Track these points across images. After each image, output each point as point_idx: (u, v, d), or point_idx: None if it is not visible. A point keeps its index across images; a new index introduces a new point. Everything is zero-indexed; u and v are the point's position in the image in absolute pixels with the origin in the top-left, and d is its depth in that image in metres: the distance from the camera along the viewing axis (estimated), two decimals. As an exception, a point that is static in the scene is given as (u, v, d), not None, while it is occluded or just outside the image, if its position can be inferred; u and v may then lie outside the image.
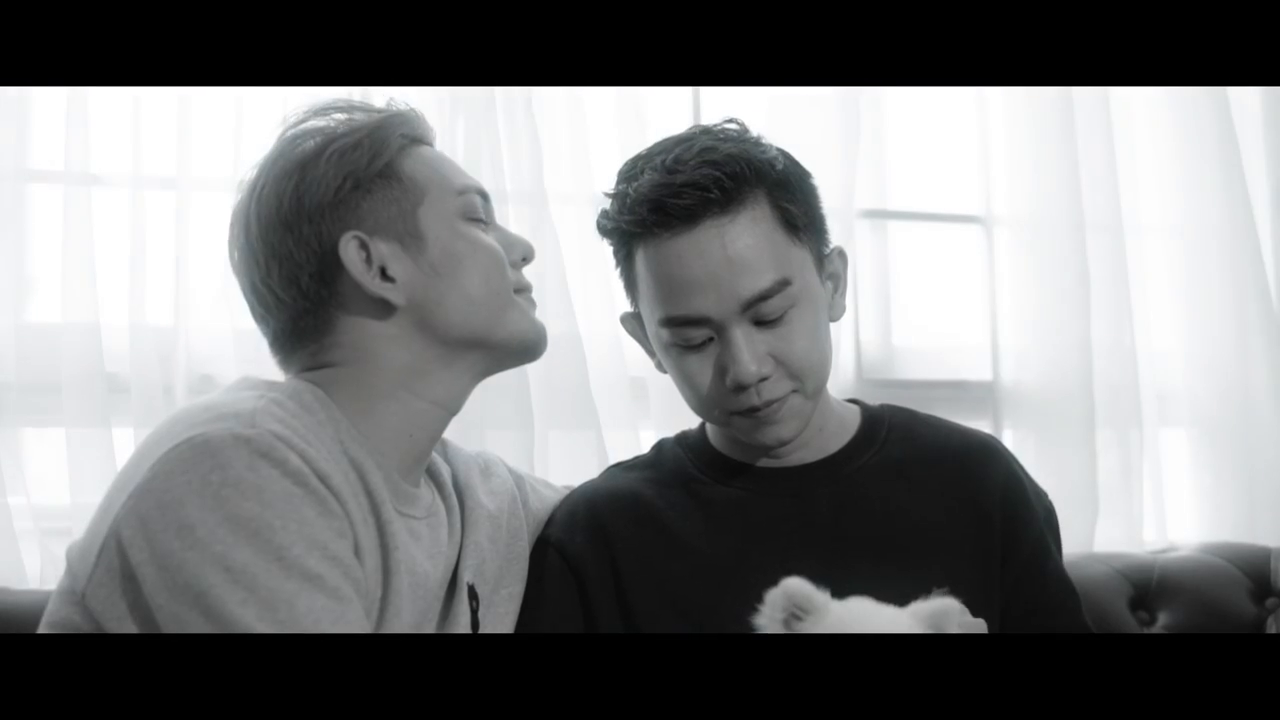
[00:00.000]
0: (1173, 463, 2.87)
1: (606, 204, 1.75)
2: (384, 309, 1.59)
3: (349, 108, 1.65)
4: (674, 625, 1.70)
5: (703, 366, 1.71)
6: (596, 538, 1.77)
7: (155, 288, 2.22)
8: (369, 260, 1.57)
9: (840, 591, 1.38)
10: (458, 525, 1.70)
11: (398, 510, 1.57)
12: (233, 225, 1.64)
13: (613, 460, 2.05)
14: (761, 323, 1.67)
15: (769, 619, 1.36)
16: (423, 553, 1.61)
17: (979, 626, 1.50)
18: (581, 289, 2.40)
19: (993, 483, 1.79)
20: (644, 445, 1.97)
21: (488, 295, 1.62)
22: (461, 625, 1.66)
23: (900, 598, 1.41)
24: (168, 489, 1.39)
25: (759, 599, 1.38)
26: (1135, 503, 2.74)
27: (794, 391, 1.71)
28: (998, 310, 2.82)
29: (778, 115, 2.57)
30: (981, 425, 2.49)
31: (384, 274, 1.58)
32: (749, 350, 1.66)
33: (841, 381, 2.60)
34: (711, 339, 1.69)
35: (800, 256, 1.71)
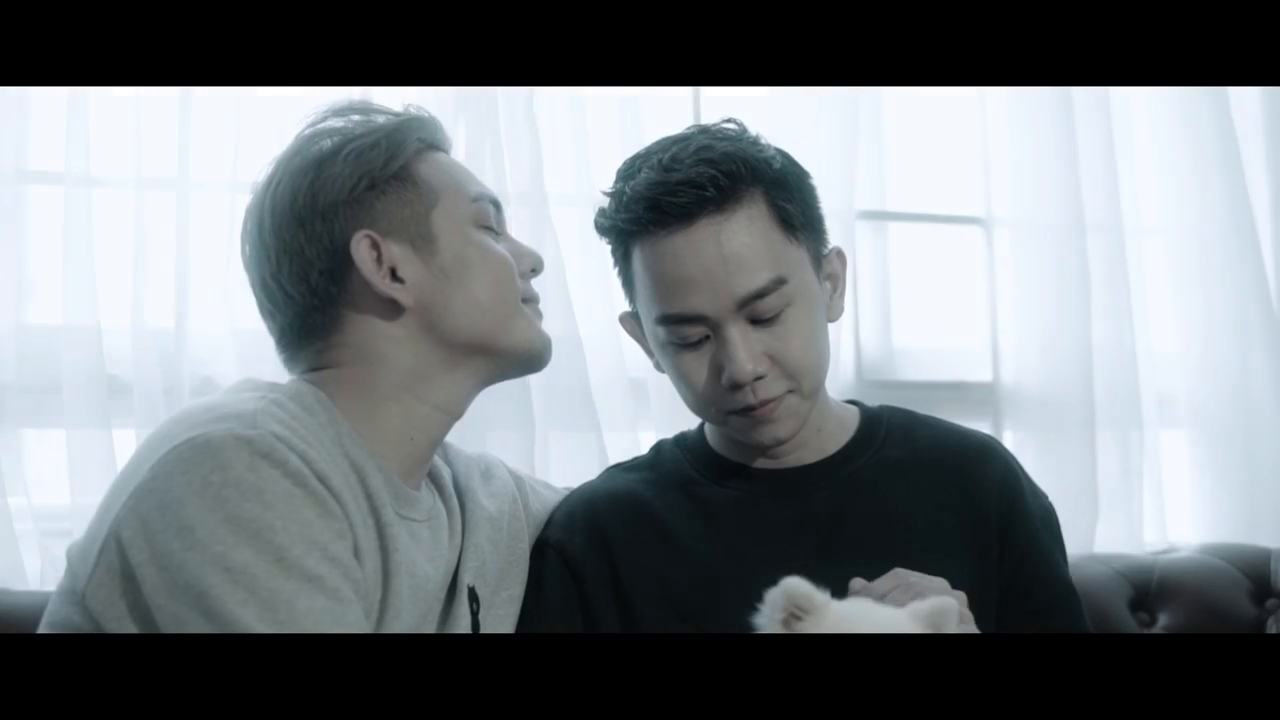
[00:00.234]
0: (1173, 464, 2.86)
1: (605, 203, 1.76)
2: (392, 309, 1.59)
3: (367, 110, 1.66)
4: (672, 626, 1.71)
5: (699, 365, 1.71)
6: (595, 539, 1.77)
7: (156, 289, 2.22)
8: (380, 260, 1.58)
9: (838, 592, 1.38)
10: (458, 527, 1.70)
11: (398, 513, 1.57)
12: (246, 220, 1.65)
13: (613, 461, 2.05)
14: (757, 321, 1.68)
15: (769, 619, 1.36)
16: (423, 555, 1.61)
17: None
18: (581, 290, 2.40)
19: (990, 482, 1.79)
20: (644, 447, 1.97)
21: (495, 302, 1.63)
22: (462, 627, 1.66)
23: (898, 599, 1.41)
24: (168, 489, 1.39)
25: (759, 599, 1.38)
26: (1135, 504, 2.74)
27: (790, 391, 1.71)
28: (998, 311, 2.82)
29: (777, 116, 2.56)
30: (982, 426, 2.48)
31: (394, 274, 1.58)
32: (745, 348, 1.67)
33: (842, 383, 2.60)
34: (708, 337, 1.69)
35: (797, 255, 1.71)
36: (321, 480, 1.44)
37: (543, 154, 2.42)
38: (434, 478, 1.72)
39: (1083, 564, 2.43)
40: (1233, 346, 2.84)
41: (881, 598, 1.47)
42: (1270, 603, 2.48)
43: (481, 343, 1.63)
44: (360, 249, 1.57)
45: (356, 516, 1.49)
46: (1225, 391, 2.84)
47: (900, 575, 1.52)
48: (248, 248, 1.65)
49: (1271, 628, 2.45)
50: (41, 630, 1.51)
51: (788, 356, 1.69)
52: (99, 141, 2.21)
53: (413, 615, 1.58)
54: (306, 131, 1.65)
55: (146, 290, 2.21)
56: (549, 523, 1.84)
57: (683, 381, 1.74)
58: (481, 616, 1.68)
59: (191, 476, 1.39)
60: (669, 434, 1.94)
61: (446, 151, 1.71)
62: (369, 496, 1.53)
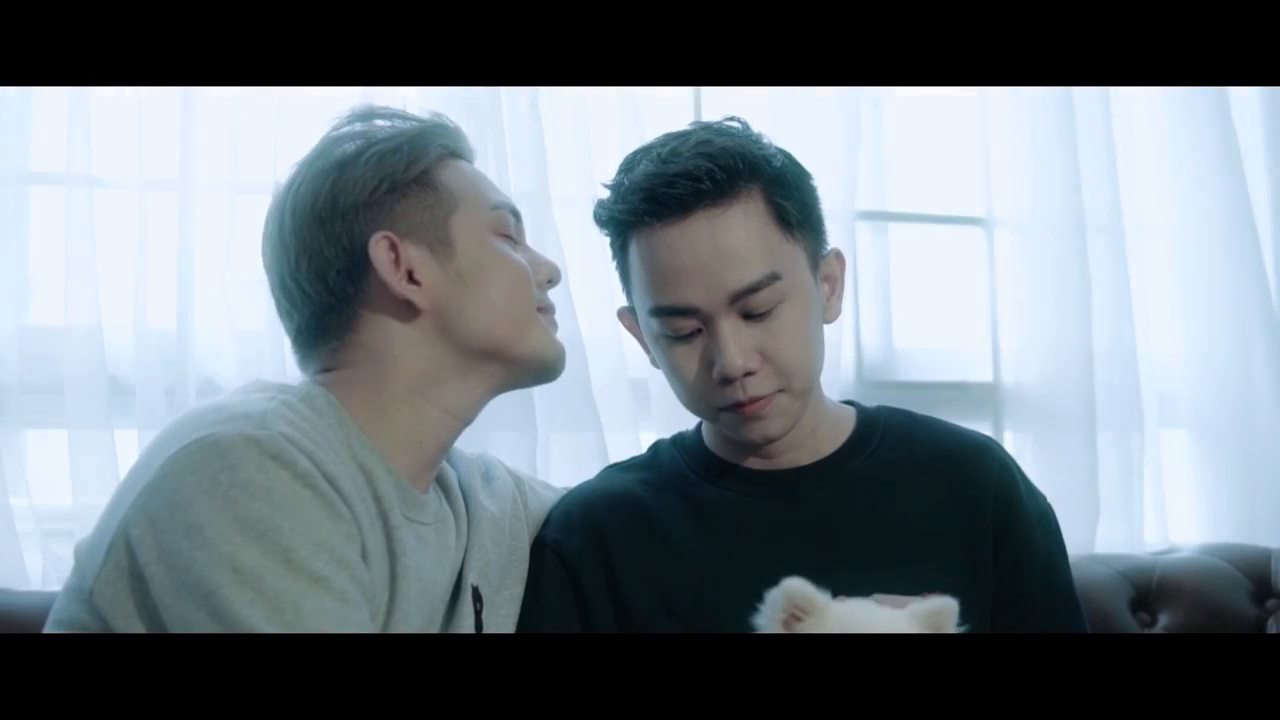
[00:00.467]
0: (1173, 464, 2.86)
1: (605, 195, 1.76)
2: (407, 311, 1.60)
3: (392, 115, 1.68)
4: (666, 626, 1.71)
5: (690, 358, 1.71)
6: (591, 538, 1.78)
7: (157, 290, 2.22)
8: (397, 262, 1.59)
9: (834, 594, 1.38)
10: (463, 529, 1.71)
11: (406, 517, 1.57)
12: (267, 221, 1.66)
13: (614, 460, 2.06)
14: (750, 316, 1.68)
15: (769, 619, 1.36)
16: (430, 559, 1.61)
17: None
18: (584, 291, 2.40)
19: (986, 482, 1.79)
20: (645, 446, 1.97)
21: (510, 308, 1.64)
22: (465, 627, 1.67)
23: (895, 600, 1.41)
24: (177, 489, 1.40)
25: (753, 599, 1.38)
26: (1136, 504, 2.74)
27: (781, 390, 1.70)
28: (998, 312, 2.82)
29: (778, 116, 2.57)
30: (982, 427, 2.49)
31: (410, 277, 1.59)
32: (736, 343, 1.67)
33: (842, 383, 2.61)
34: (700, 331, 1.69)
35: (793, 253, 1.71)
36: (330, 482, 1.45)
37: (546, 156, 2.42)
38: (440, 480, 1.72)
39: (1083, 564, 2.43)
40: (1233, 347, 2.84)
41: None
42: (1270, 603, 2.48)
43: (495, 348, 1.63)
44: (379, 250, 1.58)
45: (364, 519, 1.49)
46: (1226, 392, 2.84)
47: None
48: (268, 248, 1.66)
49: (1272, 628, 2.45)
50: (48, 628, 1.51)
51: (779, 354, 1.69)
52: (101, 142, 2.21)
53: (419, 619, 1.59)
54: (330, 134, 1.66)
55: (148, 290, 2.21)
56: (546, 522, 1.84)
57: (674, 375, 1.75)
58: (485, 616, 1.69)
59: (200, 476, 1.39)
60: (670, 434, 1.94)
61: (469, 160, 1.72)
62: (377, 500, 1.53)
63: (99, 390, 2.16)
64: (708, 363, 1.69)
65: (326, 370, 1.63)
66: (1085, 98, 2.78)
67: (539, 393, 2.34)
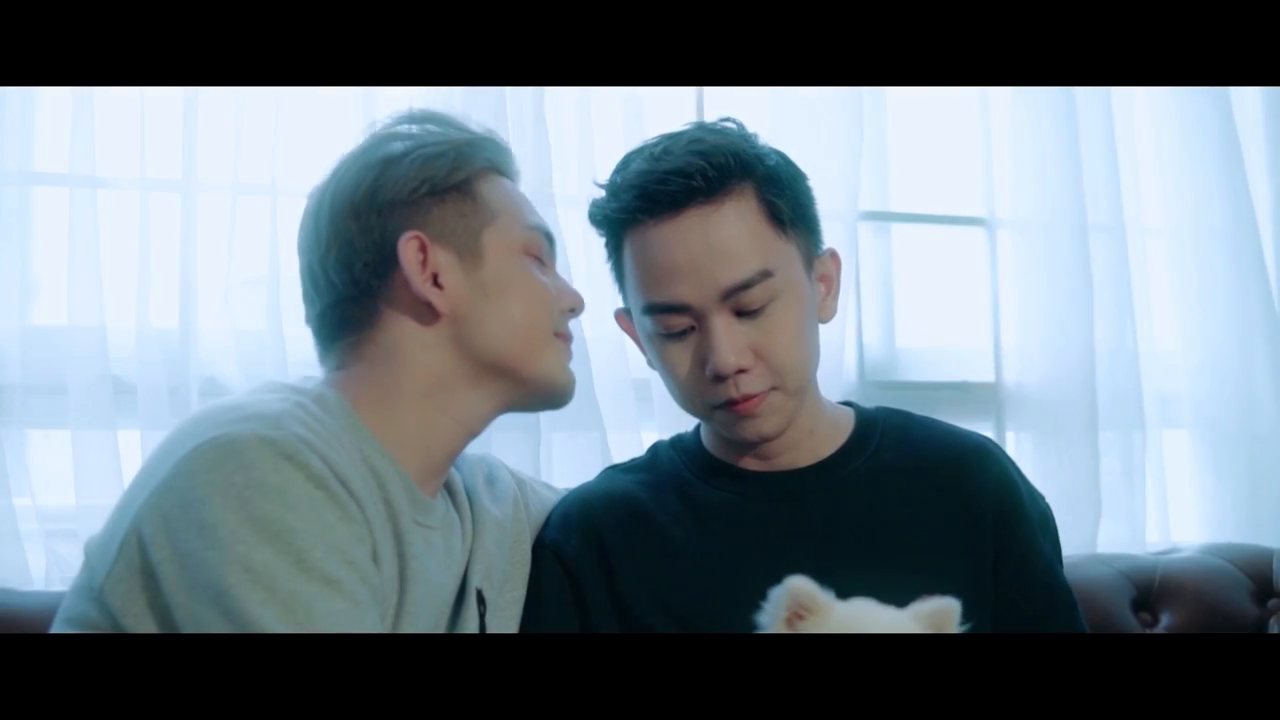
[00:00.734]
0: (1175, 464, 2.86)
1: (599, 195, 1.76)
2: (427, 314, 1.60)
3: (445, 122, 1.70)
4: (665, 627, 1.71)
5: (683, 356, 1.71)
6: (590, 539, 1.78)
7: (161, 290, 2.22)
8: (425, 263, 1.59)
9: (839, 593, 1.38)
10: (468, 532, 1.71)
11: (415, 521, 1.58)
12: (306, 206, 1.68)
13: (616, 460, 2.06)
14: (742, 313, 1.68)
15: (772, 616, 1.36)
16: (437, 563, 1.62)
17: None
18: (587, 291, 2.38)
19: (986, 484, 1.79)
20: (647, 447, 1.97)
21: (528, 327, 1.64)
22: (470, 630, 1.67)
23: (894, 603, 1.41)
24: (191, 488, 1.40)
25: (751, 601, 1.38)
26: (1138, 504, 2.74)
27: (774, 388, 1.71)
28: (1000, 312, 2.82)
29: (781, 116, 2.57)
30: (984, 427, 2.49)
31: (435, 280, 1.60)
32: (728, 340, 1.67)
33: (844, 383, 2.61)
34: (693, 328, 1.70)
35: (786, 251, 1.71)
36: (344, 484, 1.45)
37: (551, 157, 2.43)
38: (446, 485, 1.73)
39: (1085, 564, 2.44)
40: (1235, 346, 2.85)
41: None
42: (1272, 603, 2.48)
43: (507, 365, 1.64)
44: (408, 248, 1.59)
45: (376, 521, 1.50)
46: (1227, 391, 2.84)
47: None
48: (302, 233, 1.67)
49: (1273, 628, 2.45)
50: (57, 625, 1.51)
51: (772, 351, 1.69)
52: (104, 142, 2.21)
53: (426, 622, 1.59)
54: (380, 132, 1.68)
55: (151, 291, 2.22)
56: (546, 523, 1.84)
57: (668, 373, 1.75)
58: (488, 619, 1.69)
59: (214, 476, 1.39)
60: (671, 435, 1.94)
61: (514, 180, 1.73)
62: (387, 503, 1.54)
63: (102, 390, 2.17)
64: (701, 360, 1.70)
65: (342, 367, 1.64)
66: (1087, 98, 2.78)
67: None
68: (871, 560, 1.70)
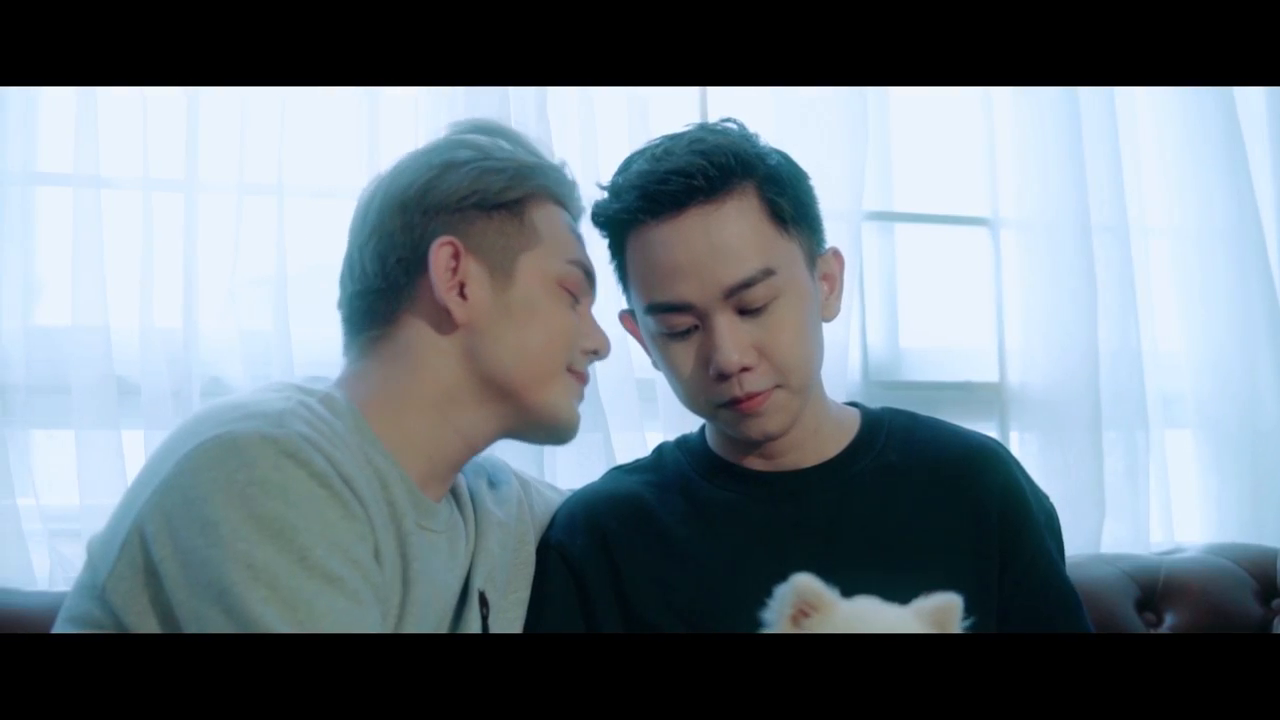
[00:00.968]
0: (1179, 464, 2.86)
1: (601, 196, 1.77)
2: (446, 321, 1.61)
3: (516, 141, 1.71)
4: (670, 626, 1.71)
5: (687, 355, 1.71)
6: (595, 540, 1.78)
7: (164, 290, 2.23)
8: (455, 271, 1.60)
9: (844, 593, 1.38)
10: (471, 535, 1.71)
11: (418, 524, 1.58)
12: (364, 191, 1.69)
13: (620, 461, 2.06)
14: (745, 312, 1.68)
15: (777, 614, 1.36)
16: (441, 566, 1.62)
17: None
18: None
19: (992, 486, 1.79)
20: (652, 447, 1.97)
21: (542, 356, 1.64)
22: (472, 631, 1.67)
23: (899, 603, 1.41)
24: (193, 485, 1.40)
25: (757, 601, 1.38)
26: (1142, 504, 2.74)
27: (778, 386, 1.70)
28: (1004, 312, 2.82)
29: (785, 116, 2.57)
30: (988, 427, 2.49)
31: (461, 290, 1.60)
32: (731, 338, 1.67)
33: (848, 383, 2.61)
34: (696, 327, 1.70)
35: (788, 249, 1.71)
36: (346, 483, 1.45)
37: (554, 155, 2.42)
38: (451, 488, 1.73)
39: (1089, 564, 2.44)
40: (1239, 346, 2.84)
41: None
42: (1276, 602, 2.48)
43: (513, 388, 1.63)
44: (440, 252, 1.59)
45: (379, 520, 1.50)
46: (1231, 391, 2.84)
47: None
48: (353, 216, 1.68)
49: (1278, 627, 2.45)
50: (59, 624, 1.51)
51: (776, 349, 1.69)
52: (107, 142, 2.21)
53: (430, 624, 1.59)
54: (452, 136, 1.70)
55: (154, 291, 2.22)
56: (551, 524, 1.84)
57: (672, 372, 1.75)
58: (491, 620, 1.69)
59: (217, 473, 1.39)
60: (676, 435, 1.94)
61: (573, 215, 1.73)
62: (391, 505, 1.54)
63: (105, 390, 2.17)
64: (704, 359, 1.70)
65: (359, 361, 1.65)
66: (1091, 98, 2.78)
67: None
68: (876, 560, 1.70)
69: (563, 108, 2.47)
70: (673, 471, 1.86)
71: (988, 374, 2.82)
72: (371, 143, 2.36)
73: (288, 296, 2.26)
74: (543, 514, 1.86)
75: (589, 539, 1.78)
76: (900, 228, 2.85)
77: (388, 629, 1.50)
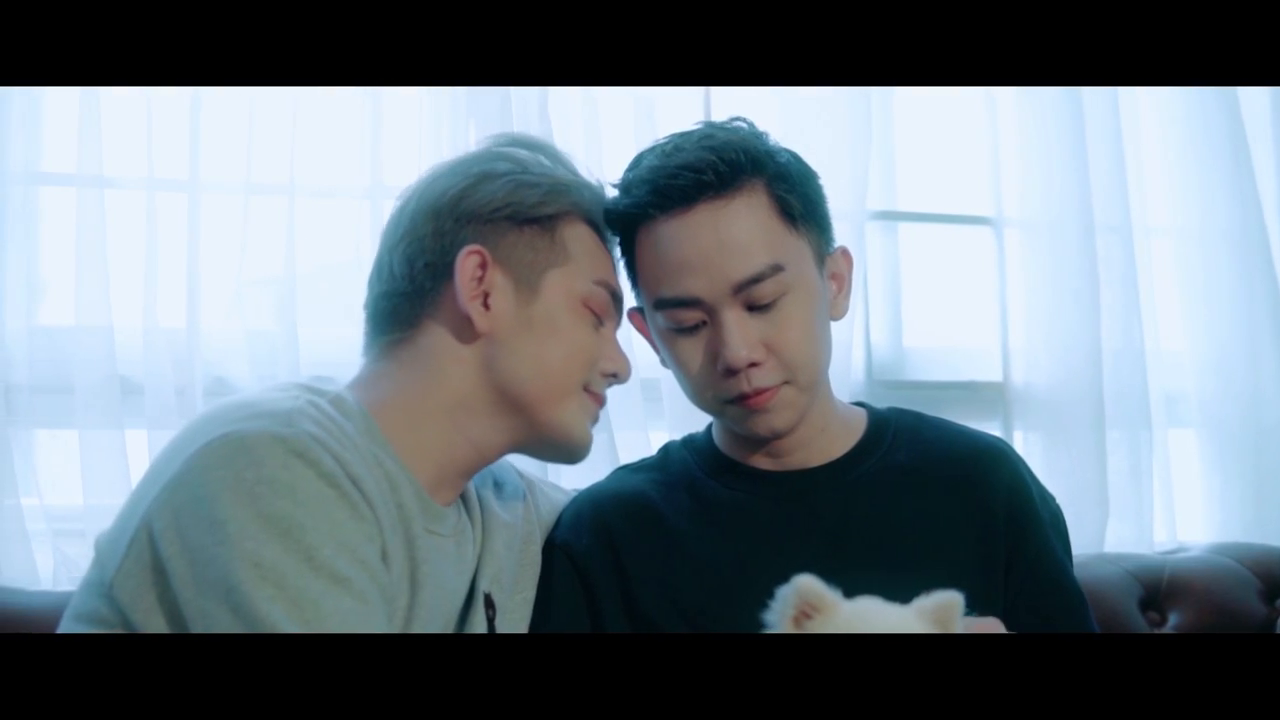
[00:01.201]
0: (1183, 463, 2.86)
1: (612, 194, 1.77)
2: (466, 330, 1.61)
3: (556, 158, 1.72)
4: (676, 625, 1.71)
5: (695, 350, 1.71)
6: (601, 539, 1.78)
7: (168, 290, 2.23)
8: (481, 281, 1.61)
9: (845, 595, 1.38)
10: (478, 537, 1.71)
11: (426, 528, 1.58)
12: (402, 194, 1.70)
13: (625, 460, 2.06)
14: (754, 308, 1.68)
15: (779, 615, 1.36)
16: (449, 570, 1.62)
17: (986, 625, 1.50)
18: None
19: (998, 485, 1.79)
20: (656, 446, 1.97)
21: (559, 373, 1.65)
22: (478, 633, 1.67)
23: (905, 603, 1.41)
24: (202, 483, 1.40)
25: (763, 601, 1.38)
26: (1145, 503, 2.74)
27: (786, 383, 1.71)
28: (1008, 311, 2.82)
29: (788, 116, 2.57)
30: (992, 426, 2.49)
31: (485, 300, 1.61)
32: (739, 334, 1.67)
33: (852, 383, 2.61)
34: (705, 323, 1.70)
35: (797, 246, 1.71)
36: (355, 483, 1.45)
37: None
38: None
39: (1093, 564, 2.43)
40: (1242, 345, 2.84)
41: None
42: (1280, 602, 2.48)
43: (526, 402, 1.64)
44: (467, 260, 1.60)
45: (386, 522, 1.50)
46: (1235, 390, 2.84)
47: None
48: (389, 217, 1.69)
49: (1282, 627, 2.45)
50: (66, 621, 1.51)
51: (784, 346, 1.69)
52: (111, 142, 2.21)
53: (436, 627, 1.59)
54: (493, 147, 1.71)
55: (158, 291, 2.22)
56: (557, 523, 1.85)
57: (680, 368, 1.75)
58: (497, 622, 1.69)
59: (225, 472, 1.40)
60: (681, 434, 1.94)
61: (605, 238, 1.74)
62: (400, 507, 1.54)
63: (109, 390, 2.17)
64: (712, 355, 1.70)
65: (376, 362, 1.65)
66: (1094, 98, 2.78)
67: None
68: (883, 560, 1.70)
69: (565, 108, 2.46)
70: (679, 470, 1.86)
71: (991, 373, 2.81)
72: (374, 143, 2.36)
73: (298, 297, 2.27)
74: (548, 514, 1.86)
75: (594, 538, 1.78)
76: (904, 227, 2.84)
77: (394, 628, 1.50)
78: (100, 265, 2.18)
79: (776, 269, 1.67)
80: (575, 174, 1.72)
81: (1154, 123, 2.92)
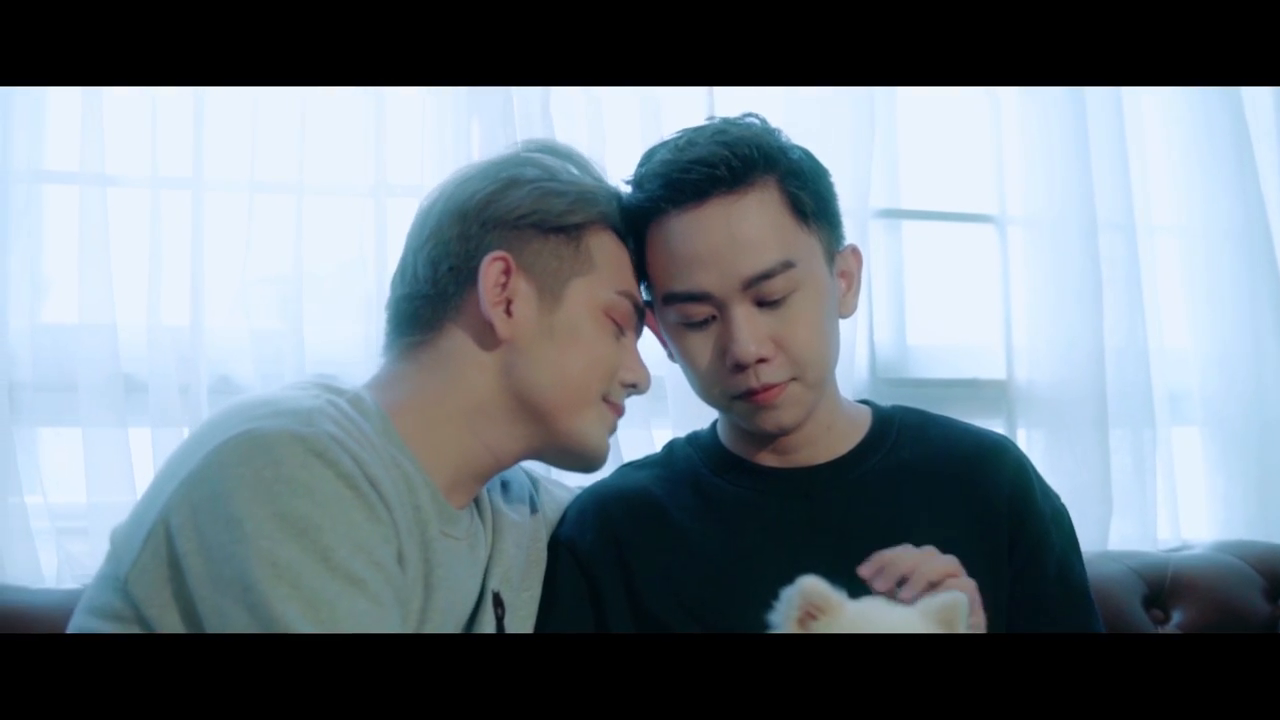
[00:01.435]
0: (1186, 461, 2.86)
1: (624, 190, 1.77)
2: (488, 336, 1.62)
3: (584, 166, 1.73)
4: (682, 624, 1.71)
5: (704, 345, 1.72)
6: (606, 536, 1.78)
7: (172, 288, 2.23)
8: (504, 287, 1.61)
9: (853, 592, 1.38)
10: (489, 537, 1.72)
11: (441, 531, 1.58)
12: (429, 196, 1.70)
13: (628, 458, 2.06)
14: (764, 304, 1.68)
15: (784, 616, 1.36)
16: (463, 572, 1.63)
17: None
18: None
19: (1001, 482, 1.79)
20: (659, 444, 1.97)
21: (578, 382, 1.65)
22: (487, 632, 1.67)
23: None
24: (220, 480, 1.40)
25: (768, 598, 1.38)
26: (1149, 501, 2.74)
27: (794, 379, 1.71)
28: (1011, 309, 2.82)
29: (792, 115, 2.56)
30: (995, 424, 2.49)
31: (508, 306, 1.61)
32: (749, 329, 1.67)
33: (856, 381, 2.61)
34: (714, 318, 1.70)
35: (808, 243, 1.71)
36: (373, 484, 1.45)
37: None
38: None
39: (1097, 561, 2.43)
40: (1245, 343, 2.84)
41: (899, 582, 1.46)
42: (1283, 600, 2.48)
43: (545, 410, 1.64)
44: (491, 266, 1.61)
45: (403, 524, 1.50)
46: (1238, 388, 2.84)
47: (908, 553, 1.49)
48: (414, 219, 1.70)
49: (1285, 626, 2.45)
50: (79, 615, 1.51)
51: (793, 342, 1.69)
52: (114, 141, 2.21)
53: (449, 629, 1.59)
54: (522, 153, 1.71)
55: (162, 289, 2.22)
56: (562, 520, 1.85)
57: (688, 363, 1.75)
58: (506, 621, 1.69)
59: (244, 470, 1.40)
60: (685, 431, 1.95)
61: (628, 248, 1.73)
62: (416, 509, 1.54)
63: (113, 388, 2.17)
64: (721, 350, 1.70)
65: (395, 363, 1.66)
66: (1098, 96, 2.78)
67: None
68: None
69: (568, 108, 2.46)
70: (683, 467, 1.86)
71: (995, 371, 2.81)
72: (378, 142, 2.36)
73: (304, 295, 2.27)
74: (553, 511, 1.86)
75: (599, 534, 1.79)
76: (907, 225, 2.84)
77: (408, 630, 1.50)
78: (104, 263, 2.18)
79: (787, 265, 1.67)
80: (601, 182, 1.72)
81: (1157, 121, 2.92)
